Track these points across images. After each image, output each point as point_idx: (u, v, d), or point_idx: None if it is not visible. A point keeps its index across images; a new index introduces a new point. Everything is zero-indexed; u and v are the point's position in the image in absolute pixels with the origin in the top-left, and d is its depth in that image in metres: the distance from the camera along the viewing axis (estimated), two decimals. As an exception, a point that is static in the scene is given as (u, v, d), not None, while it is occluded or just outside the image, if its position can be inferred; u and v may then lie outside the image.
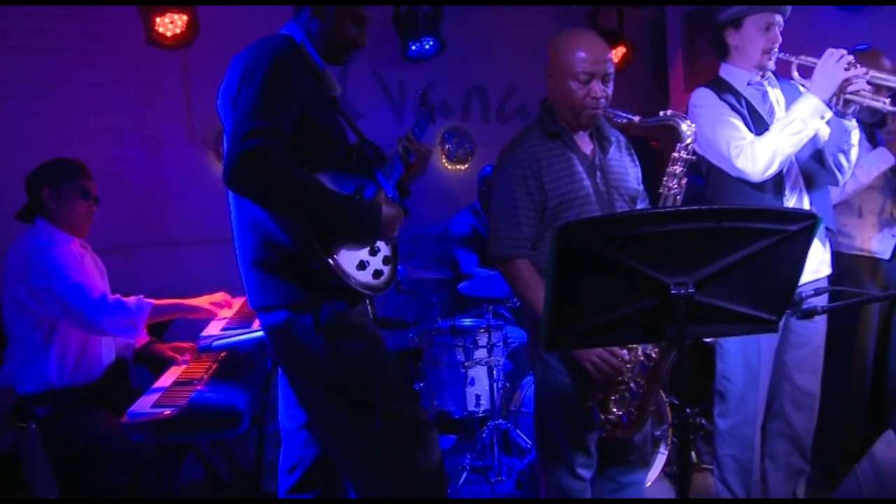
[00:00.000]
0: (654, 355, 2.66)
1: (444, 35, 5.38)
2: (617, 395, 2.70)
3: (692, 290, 1.89)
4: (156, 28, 4.41)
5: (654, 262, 1.88)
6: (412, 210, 4.66)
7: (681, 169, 2.69)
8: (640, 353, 2.66)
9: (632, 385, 2.68)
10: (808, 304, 2.45)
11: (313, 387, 2.43)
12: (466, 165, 5.88)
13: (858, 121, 3.74)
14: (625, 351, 2.65)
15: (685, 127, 2.67)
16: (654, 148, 5.34)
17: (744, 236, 1.90)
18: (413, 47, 5.33)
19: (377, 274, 2.43)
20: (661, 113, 2.70)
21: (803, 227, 1.92)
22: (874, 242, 3.86)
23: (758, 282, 1.99)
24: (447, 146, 5.87)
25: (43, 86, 4.58)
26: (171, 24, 4.42)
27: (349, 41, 2.54)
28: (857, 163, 3.72)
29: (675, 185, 2.68)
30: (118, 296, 3.22)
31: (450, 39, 5.44)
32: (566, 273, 1.88)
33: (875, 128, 3.91)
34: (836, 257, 3.76)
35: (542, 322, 1.97)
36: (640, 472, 2.99)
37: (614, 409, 2.71)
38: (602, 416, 2.71)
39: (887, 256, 3.87)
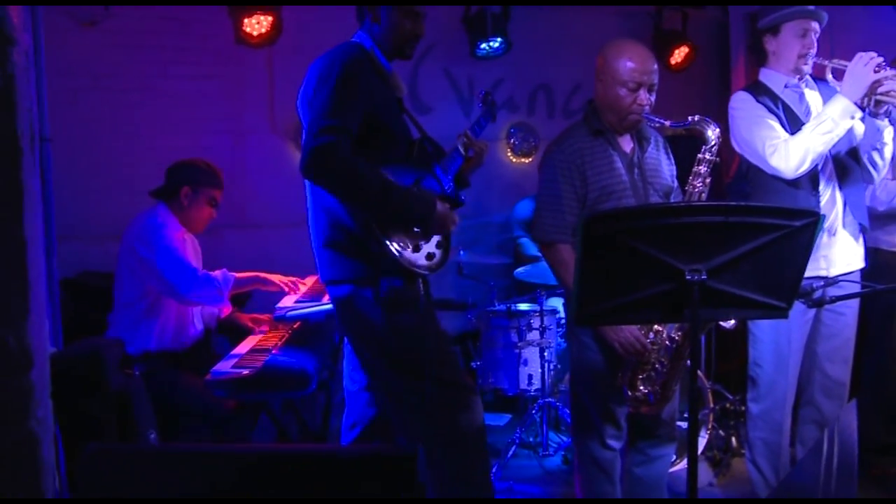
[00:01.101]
0: (677, 338, 2.86)
1: (511, 35, 5.52)
2: (644, 375, 2.90)
3: (705, 277, 2.09)
4: (244, 28, 4.69)
5: (671, 251, 2.08)
6: (477, 200, 4.98)
7: (705, 169, 2.87)
8: (664, 336, 2.87)
9: (657, 365, 2.88)
10: (817, 295, 2.65)
11: (372, 353, 2.75)
12: (531, 159, 6.04)
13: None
14: (650, 334, 2.87)
15: (710, 132, 2.84)
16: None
17: (751, 230, 2.10)
18: (481, 46, 5.50)
19: (430, 256, 2.74)
20: (690, 118, 2.86)
21: (806, 224, 2.12)
22: (914, 241, 3.93)
23: (766, 271, 2.17)
24: (512, 140, 6.04)
25: (142, 79, 4.94)
26: (257, 24, 4.69)
27: (408, 34, 2.82)
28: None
29: (700, 184, 2.87)
30: (206, 271, 3.60)
31: (516, 39, 5.57)
32: (592, 258, 2.11)
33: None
34: (876, 253, 3.90)
35: (572, 300, 2.25)
36: (668, 445, 3.19)
37: (641, 387, 2.91)
38: (630, 393, 2.92)
39: (926, 254, 3.94)
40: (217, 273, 3.59)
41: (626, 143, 3.06)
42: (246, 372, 3.07)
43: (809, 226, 2.13)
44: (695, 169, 2.91)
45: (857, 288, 3.34)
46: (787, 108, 3.30)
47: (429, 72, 5.69)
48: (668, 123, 2.90)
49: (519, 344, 4.48)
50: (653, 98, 2.96)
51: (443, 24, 5.55)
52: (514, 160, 6.07)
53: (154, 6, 4.91)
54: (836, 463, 1.89)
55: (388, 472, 1.60)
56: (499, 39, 5.48)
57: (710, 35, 6.52)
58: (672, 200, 3.11)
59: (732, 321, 2.93)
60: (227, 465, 1.66)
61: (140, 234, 3.56)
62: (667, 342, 2.87)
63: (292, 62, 4.95)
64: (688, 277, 2.10)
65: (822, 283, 2.72)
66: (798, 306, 2.85)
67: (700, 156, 2.90)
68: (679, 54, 6.11)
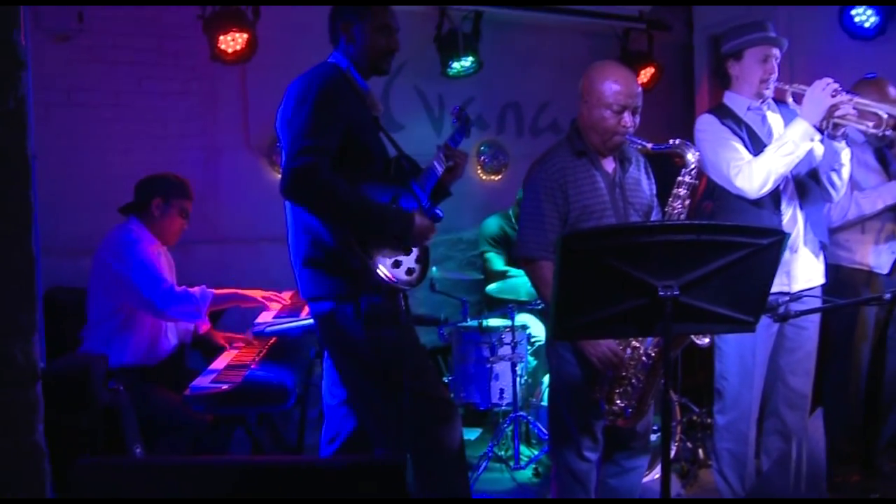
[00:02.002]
0: (653, 354, 2.93)
1: (481, 54, 5.62)
2: (621, 389, 2.97)
3: (677, 293, 2.18)
4: (219, 45, 4.71)
5: (645, 268, 2.17)
6: (448, 217, 5.01)
7: (685, 191, 2.96)
8: (641, 352, 2.94)
9: (633, 381, 2.95)
10: (782, 310, 2.75)
11: (352, 367, 2.81)
12: (500, 176, 6.14)
13: (867, 142, 4.05)
14: (628, 350, 2.94)
15: (690, 155, 2.94)
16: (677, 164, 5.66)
17: (721, 248, 2.20)
18: (453, 65, 5.58)
19: (409, 272, 2.80)
20: (671, 141, 2.95)
21: (773, 242, 2.23)
22: (873, 257, 4.05)
23: (735, 287, 2.27)
24: (482, 158, 6.13)
25: (115, 95, 4.96)
26: (232, 41, 4.71)
27: (383, 50, 2.90)
28: (866, 192, 4.00)
29: (680, 206, 2.97)
30: (185, 287, 3.62)
31: (487, 58, 5.67)
32: (569, 274, 2.19)
33: (885, 148, 4.11)
34: (836, 269, 4.01)
35: (550, 314, 2.32)
36: (642, 457, 3.27)
37: (618, 401, 2.97)
38: (607, 407, 2.99)
39: (885, 271, 4.04)
40: (196, 289, 3.62)
41: (609, 164, 3.13)
42: (225, 387, 3.11)
43: (776, 244, 2.23)
44: (674, 191, 3.00)
45: (818, 303, 3.47)
46: (750, 131, 3.42)
47: (400, 90, 5.76)
48: (650, 146, 2.98)
49: (490, 359, 4.55)
50: (637, 120, 3.04)
51: (415, 43, 5.61)
52: (484, 177, 6.15)
53: (127, 22, 4.93)
54: (804, 473, 1.98)
55: (377, 480, 1.65)
56: (470, 59, 5.56)
57: (675, 56, 6.70)
58: (652, 219, 3.18)
59: (707, 339, 3.01)
60: (218, 478, 1.71)
61: (114, 249, 3.58)
62: (643, 358, 2.94)
63: (266, 79, 5.02)
64: (661, 293, 2.18)
65: (786, 298, 2.82)
66: (763, 320, 2.95)
67: (680, 178, 2.98)
68: (645, 75, 6.26)
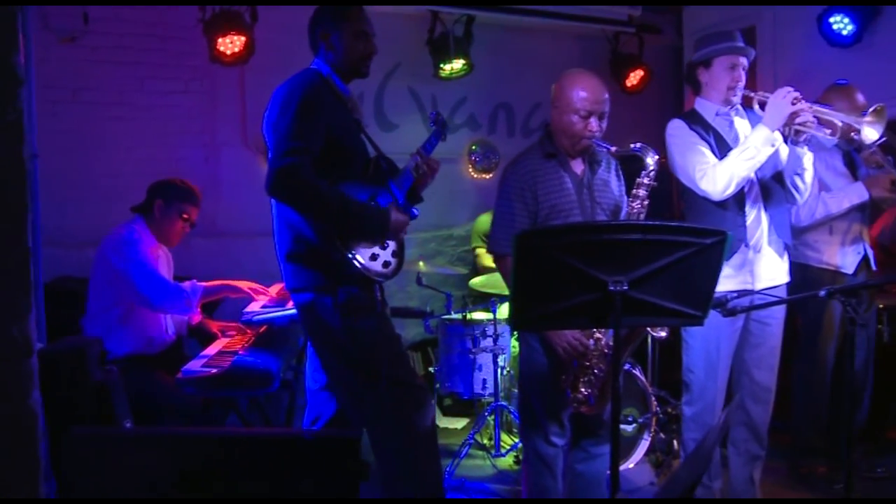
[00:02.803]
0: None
1: (473, 57, 5.79)
2: (585, 378, 3.14)
3: (626, 288, 2.34)
4: (217, 47, 4.90)
5: (595, 264, 2.33)
6: (440, 214, 5.19)
7: (644, 192, 3.14)
8: (603, 342, 3.11)
9: (596, 370, 3.13)
10: (731, 305, 2.92)
11: (332, 353, 3.00)
12: (491, 175, 6.31)
13: (837, 146, 4.22)
14: (591, 341, 3.12)
15: (649, 158, 3.12)
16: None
17: (667, 246, 2.35)
18: (444, 68, 5.75)
19: (386, 264, 3.00)
20: (632, 145, 3.12)
21: (716, 241, 2.38)
22: (839, 258, 4.22)
23: (682, 283, 2.42)
24: (474, 157, 6.31)
25: (121, 94, 5.17)
26: (230, 43, 4.91)
27: (361, 55, 3.09)
28: (833, 193, 4.17)
29: (639, 205, 3.14)
30: (176, 283, 3.83)
31: (478, 60, 5.84)
32: (526, 269, 2.37)
33: (853, 152, 4.29)
34: (805, 269, 4.19)
35: (509, 307, 2.51)
36: (608, 444, 3.43)
37: (583, 390, 3.14)
38: (572, 395, 3.16)
39: (851, 271, 4.22)
40: (186, 284, 3.82)
41: (578, 166, 3.31)
42: (214, 371, 3.31)
43: (718, 243, 2.38)
44: (634, 191, 3.18)
45: (770, 300, 3.61)
46: (717, 135, 3.57)
47: (394, 90, 5.95)
48: (613, 149, 3.17)
49: (473, 350, 4.73)
50: (604, 125, 3.22)
51: (409, 45, 5.82)
52: (476, 176, 6.33)
53: (131, 24, 5.13)
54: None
55: (334, 451, 1.85)
56: (461, 61, 5.73)
57: (665, 59, 6.86)
58: (621, 218, 3.35)
59: (664, 332, 3.18)
60: (191, 446, 1.91)
61: (115, 247, 3.77)
62: (605, 349, 3.10)
63: (263, 80, 5.16)
64: (611, 288, 2.34)
65: (734, 294, 2.99)
66: (727, 316, 3.12)
67: (639, 179, 3.16)
68: (634, 77, 6.43)
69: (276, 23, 5.14)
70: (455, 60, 5.72)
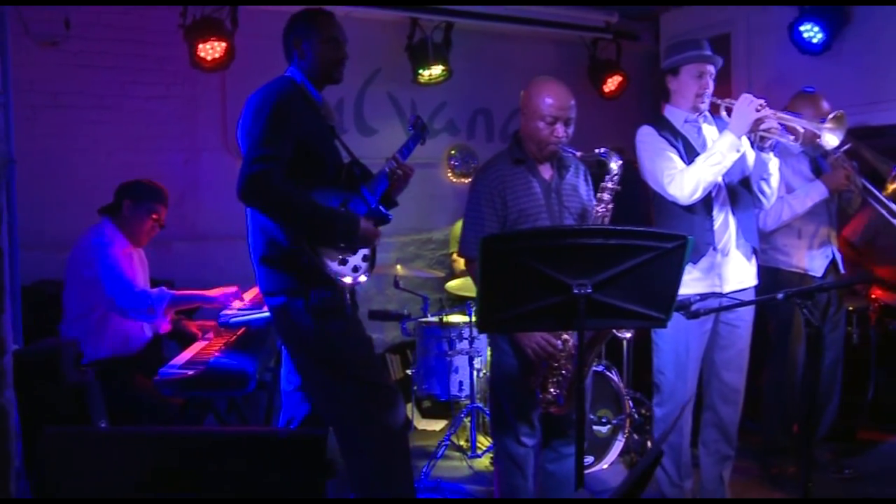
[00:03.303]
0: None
1: (453, 62, 5.85)
2: (554, 379, 3.19)
3: (590, 291, 2.41)
4: (198, 53, 4.94)
5: (559, 268, 2.39)
6: (419, 218, 5.21)
7: (608, 196, 3.21)
8: (570, 344, 3.15)
9: (564, 371, 3.18)
10: (695, 308, 2.98)
11: (304, 356, 3.06)
12: (470, 179, 6.35)
13: (804, 152, 4.30)
14: (559, 342, 3.17)
15: (613, 164, 3.19)
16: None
17: (629, 251, 2.41)
18: (423, 73, 5.81)
19: (355, 269, 3.06)
20: (596, 150, 3.20)
21: (677, 246, 2.44)
22: (808, 261, 4.31)
23: (645, 286, 2.49)
24: (453, 162, 6.37)
25: (101, 98, 5.19)
26: (211, 49, 4.96)
27: (333, 61, 3.13)
28: (794, 193, 4.25)
29: (603, 209, 3.21)
30: (144, 287, 3.86)
31: (457, 66, 5.90)
32: (492, 273, 2.43)
33: (819, 158, 4.36)
34: (775, 272, 4.27)
35: (477, 310, 2.57)
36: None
37: (552, 390, 3.20)
38: (541, 395, 3.21)
39: (819, 274, 4.31)
40: (154, 290, 3.85)
41: (546, 171, 3.38)
42: (191, 372, 3.36)
43: (679, 247, 2.45)
44: (598, 195, 3.25)
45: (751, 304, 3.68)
46: (685, 142, 3.64)
47: (374, 96, 6.00)
48: (578, 154, 3.25)
49: (449, 353, 4.80)
50: (570, 131, 3.29)
51: (388, 51, 5.88)
52: (455, 180, 6.39)
53: (112, 29, 5.16)
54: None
55: (301, 450, 1.91)
56: (440, 67, 5.79)
57: (643, 65, 6.93)
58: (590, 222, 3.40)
59: (628, 334, 3.24)
60: (160, 445, 1.97)
61: (84, 254, 3.82)
62: (573, 350, 3.15)
63: (244, 85, 5.15)
64: (575, 291, 2.41)
65: (697, 297, 3.04)
66: (690, 319, 3.18)
67: (603, 184, 3.23)
68: (612, 83, 6.52)
69: (256, 29, 5.16)
70: (434, 66, 5.78)
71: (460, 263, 5.48)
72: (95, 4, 5.07)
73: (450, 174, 6.40)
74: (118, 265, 3.79)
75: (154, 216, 4.00)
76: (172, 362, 3.55)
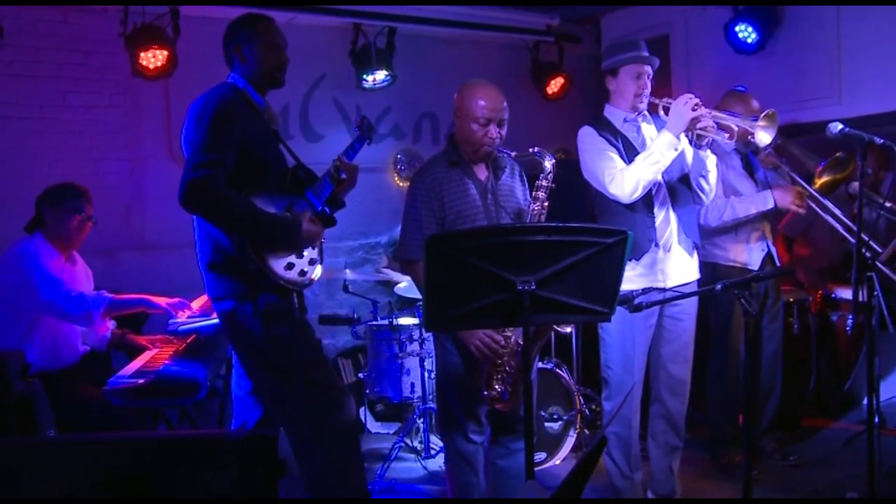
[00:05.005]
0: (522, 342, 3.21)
1: (397, 67, 5.88)
2: (498, 375, 3.24)
3: (534, 287, 2.45)
4: (140, 62, 4.90)
5: (503, 265, 2.44)
6: (366, 223, 5.21)
7: (543, 194, 3.29)
8: (513, 340, 3.20)
9: (507, 367, 3.23)
10: (637, 301, 3.06)
11: (253, 360, 3.08)
12: (413, 183, 6.42)
13: (736, 150, 4.42)
14: (501, 338, 3.20)
15: (547, 162, 3.27)
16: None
17: (570, 247, 2.47)
18: (367, 79, 5.83)
19: (302, 273, 3.08)
20: (530, 150, 3.28)
21: (618, 241, 2.50)
22: (745, 255, 4.43)
23: (588, 281, 2.53)
24: (399, 166, 6.38)
25: (41, 109, 5.10)
26: (153, 58, 4.92)
27: (275, 65, 3.15)
28: (742, 198, 4.36)
29: (538, 207, 3.29)
30: (80, 291, 3.78)
31: (402, 70, 5.92)
32: (436, 273, 2.47)
33: (750, 154, 4.50)
34: (714, 267, 4.37)
35: (422, 309, 2.61)
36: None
37: (497, 387, 3.24)
38: (486, 392, 3.25)
39: (756, 267, 4.43)
40: (91, 294, 3.79)
41: (481, 172, 3.43)
42: (141, 381, 3.35)
43: (620, 242, 2.50)
44: (534, 194, 3.31)
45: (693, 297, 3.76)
46: (625, 141, 3.73)
47: (319, 101, 5.99)
48: (512, 154, 3.32)
49: (400, 355, 4.83)
50: (503, 132, 3.34)
51: (332, 56, 5.90)
52: (402, 185, 6.37)
53: (50, 37, 5.08)
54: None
55: (252, 450, 1.93)
56: (383, 72, 5.81)
57: (586, 67, 7.03)
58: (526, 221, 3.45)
59: (568, 328, 3.30)
60: (108, 451, 1.97)
61: (10, 262, 3.73)
62: (516, 347, 3.21)
63: (188, 93, 5.11)
64: (519, 288, 2.45)
65: (639, 291, 3.12)
66: (633, 312, 3.26)
67: (538, 182, 3.30)
68: (555, 84, 6.61)
69: (198, 37, 5.12)
70: (378, 71, 5.80)
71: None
72: (29, 4, 4.96)
73: (396, 178, 6.41)
74: (49, 270, 3.70)
75: (78, 215, 3.86)
76: (122, 372, 3.54)
